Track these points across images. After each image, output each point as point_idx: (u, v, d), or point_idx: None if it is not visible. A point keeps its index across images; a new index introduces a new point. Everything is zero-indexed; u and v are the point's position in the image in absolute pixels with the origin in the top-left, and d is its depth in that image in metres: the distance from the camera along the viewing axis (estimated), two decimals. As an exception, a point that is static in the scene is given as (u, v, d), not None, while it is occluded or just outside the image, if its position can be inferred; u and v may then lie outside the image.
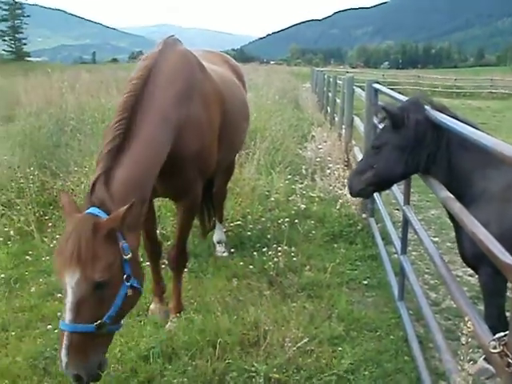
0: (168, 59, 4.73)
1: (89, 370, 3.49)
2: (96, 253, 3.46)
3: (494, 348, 2.38)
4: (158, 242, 5.60)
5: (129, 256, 3.62)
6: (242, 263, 6.51)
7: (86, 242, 3.45)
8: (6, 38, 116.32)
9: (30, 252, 7.01)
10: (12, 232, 7.36)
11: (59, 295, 5.69)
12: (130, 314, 5.30)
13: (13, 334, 5.20)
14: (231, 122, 5.51)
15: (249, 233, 7.22)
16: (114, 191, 3.76)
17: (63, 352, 3.42)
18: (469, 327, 2.64)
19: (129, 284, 3.65)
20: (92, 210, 3.63)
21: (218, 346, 4.45)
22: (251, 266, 6.39)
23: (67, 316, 3.44)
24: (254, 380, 4.18)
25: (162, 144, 4.27)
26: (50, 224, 7.71)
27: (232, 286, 5.96)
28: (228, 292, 5.78)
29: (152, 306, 5.46)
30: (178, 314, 5.18)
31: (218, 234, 7.09)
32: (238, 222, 7.51)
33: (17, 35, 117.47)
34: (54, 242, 7.13)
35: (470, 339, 2.75)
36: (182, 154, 4.60)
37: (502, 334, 2.39)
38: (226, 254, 6.88)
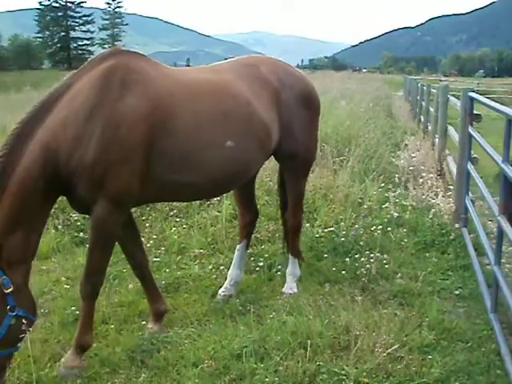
0: (79, 79, 4.67)
1: None
2: None
3: None
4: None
5: (10, 290, 4.19)
6: (334, 269, 6.54)
7: None
8: (106, 46, 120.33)
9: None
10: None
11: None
12: (223, 314, 5.57)
13: (112, 327, 5.49)
14: (182, 140, 4.88)
15: (342, 239, 7.23)
16: None
17: None
18: None
19: (14, 314, 4.22)
20: None
21: (309, 348, 4.51)
22: (343, 272, 6.41)
23: None
24: (343, 383, 4.20)
25: (37, 175, 4.39)
26: (147, 224, 8.04)
27: (324, 290, 5.99)
28: (320, 296, 5.81)
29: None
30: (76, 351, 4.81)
31: (290, 267, 6.31)
32: (331, 228, 7.54)
33: (116, 43, 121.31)
34: (151, 241, 7.44)
35: None
36: (72, 172, 4.52)
37: None
38: (292, 291, 6.09)
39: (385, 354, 4.49)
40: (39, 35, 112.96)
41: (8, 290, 4.19)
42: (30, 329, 4.34)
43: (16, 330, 4.23)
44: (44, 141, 4.40)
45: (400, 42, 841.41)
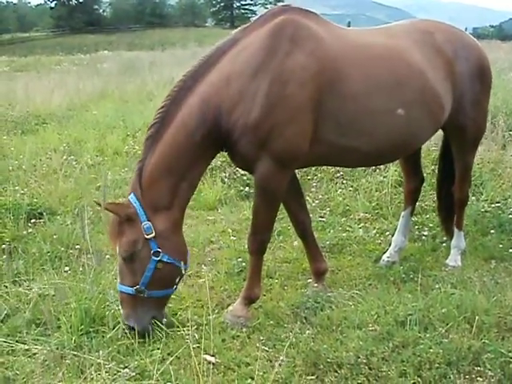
0: (248, 35, 4.62)
1: (139, 323, 4.43)
2: (120, 233, 4.45)
3: None
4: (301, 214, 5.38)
5: (151, 235, 4.39)
6: (500, 245, 6.30)
7: (114, 225, 4.49)
8: (268, 7, 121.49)
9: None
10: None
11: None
12: (387, 280, 5.55)
13: (276, 281, 5.64)
14: (350, 104, 4.73)
15: (509, 216, 6.92)
16: (144, 179, 4.47)
17: (120, 304, 4.56)
18: None
19: (157, 259, 4.41)
20: (130, 196, 4.49)
21: (475, 324, 4.39)
22: (511, 250, 6.15)
23: (118, 278, 4.60)
24: (511, 366, 4.02)
25: (194, 127, 4.45)
26: (313, 184, 8.20)
27: (489, 266, 5.81)
28: (485, 272, 5.64)
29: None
30: (244, 302, 4.90)
31: (455, 240, 6.14)
32: (498, 204, 7.26)
33: (278, 4, 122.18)
34: (317, 201, 7.57)
35: None
36: (233, 127, 4.48)
37: None
38: (457, 264, 5.96)
39: (556, 342, 4.28)
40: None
41: (149, 236, 4.40)
42: (184, 273, 4.59)
43: (164, 275, 4.47)
44: (205, 95, 4.47)
45: None
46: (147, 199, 4.43)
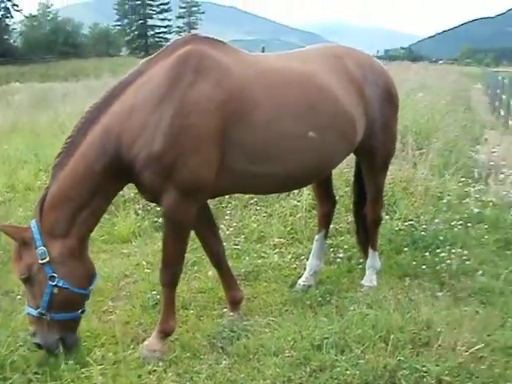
0: (153, 66, 4.63)
1: (44, 342, 4.50)
2: (18, 256, 4.53)
3: None
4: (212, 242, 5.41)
5: (45, 260, 4.44)
6: (414, 263, 6.44)
7: (15, 249, 4.56)
8: (182, 34, 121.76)
9: (207, 237, 7.39)
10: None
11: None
12: (303, 304, 5.56)
13: (192, 312, 5.58)
14: (259, 132, 4.67)
15: (422, 233, 7.11)
16: (45, 206, 4.53)
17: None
18: None
19: (53, 284, 4.45)
20: (32, 221, 4.56)
21: (390, 342, 4.43)
22: (423, 267, 6.30)
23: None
24: (424, 380, 4.11)
25: (94, 158, 4.48)
26: (227, 212, 8.17)
27: (403, 284, 5.93)
28: (400, 290, 5.75)
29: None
30: (159, 336, 4.82)
31: (370, 260, 6.22)
32: (411, 222, 7.43)
33: (192, 31, 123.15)
34: (231, 229, 7.53)
35: None
36: (135, 159, 4.46)
37: None
38: (372, 284, 6.04)
39: (467, 353, 4.36)
40: (118, 23, 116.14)
41: (43, 261, 4.43)
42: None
43: (63, 299, 4.48)
44: (107, 126, 4.46)
45: (479, 32, 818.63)
46: (45, 225, 4.48)
